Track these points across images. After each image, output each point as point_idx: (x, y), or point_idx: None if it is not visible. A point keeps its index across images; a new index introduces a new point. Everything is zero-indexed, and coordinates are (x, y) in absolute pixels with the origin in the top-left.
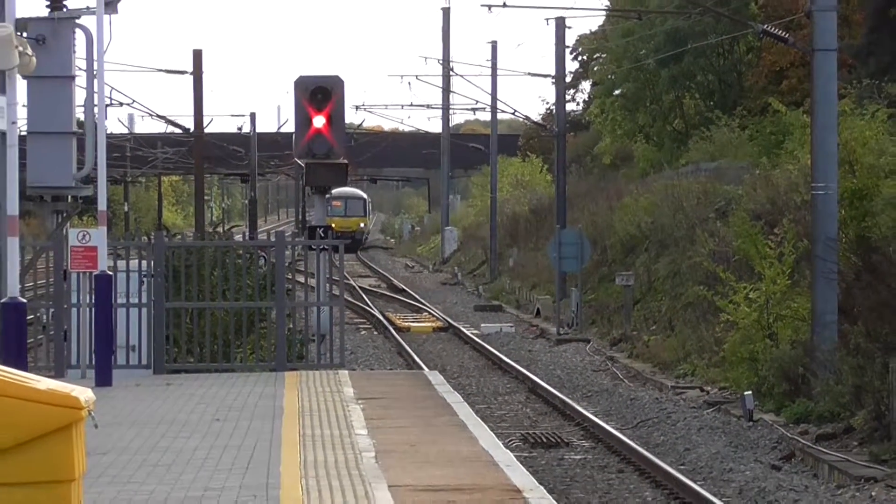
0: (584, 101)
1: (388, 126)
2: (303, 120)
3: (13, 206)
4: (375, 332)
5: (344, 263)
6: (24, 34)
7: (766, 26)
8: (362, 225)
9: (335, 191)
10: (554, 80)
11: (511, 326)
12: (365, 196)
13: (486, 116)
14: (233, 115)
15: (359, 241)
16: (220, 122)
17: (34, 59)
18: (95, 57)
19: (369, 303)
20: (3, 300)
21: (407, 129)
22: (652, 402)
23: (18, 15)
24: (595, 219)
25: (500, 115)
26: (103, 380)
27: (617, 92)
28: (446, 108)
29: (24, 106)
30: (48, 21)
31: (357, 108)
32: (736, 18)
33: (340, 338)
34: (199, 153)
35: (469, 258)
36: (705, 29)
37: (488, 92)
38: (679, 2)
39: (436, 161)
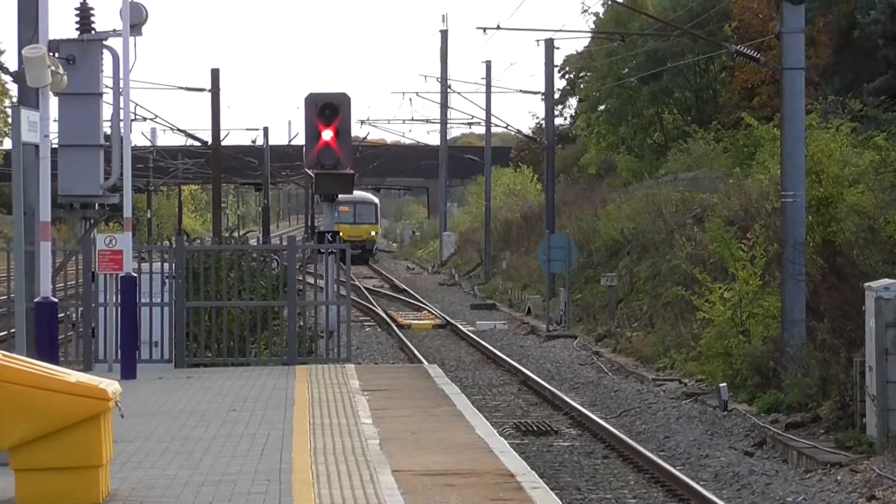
0: (571, 115)
1: (390, 139)
2: (312, 133)
3: (45, 213)
4: (379, 329)
5: (350, 266)
6: (56, 54)
7: (738, 47)
8: (373, 233)
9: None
10: (543, 97)
11: (504, 324)
12: (376, 201)
13: (480, 130)
14: (247, 129)
15: (370, 251)
16: (235, 135)
17: (65, 77)
18: (121, 75)
19: (373, 302)
20: (36, 300)
21: (408, 141)
22: (634, 393)
23: (51, 37)
24: (581, 224)
25: (493, 129)
26: (128, 373)
27: (601, 107)
28: (444, 122)
29: (55, 121)
30: (78, 42)
31: (362, 122)
32: (711, 40)
33: (347, 334)
34: (216, 164)
35: (465, 261)
36: (683, 49)
37: (483, 107)
38: (658, 24)
39: (434, 171)
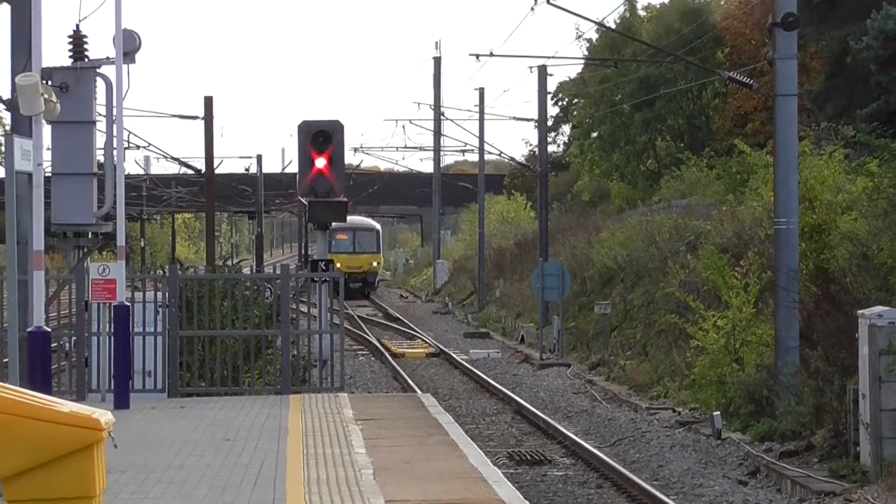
0: (565, 142)
1: (383, 166)
2: (306, 161)
3: (39, 242)
4: (373, 358)
5: (343, 295)
6: (49, 82)
7: (731, 73)
8: (375, 263)
9: None
10: (536, 124)
11: (498, 352)
12: (377, 227)
13: (474, 157)
14: (241, 157)
15: (371, 284)
16: (229, 163)
17: (58, 105)
18: (115, 103)
19: (367, 331)
20: (29, 329)
21: (401, 169)
22: (628, 421)
23: (44, 65)
24: (575, 252)
25: (487, 157)
26: (122, 403)
27: (594, 134)
28: (437, 150)
29: (48, 149)
30: (71, 70)
31: (355, 150)
32: (703, 66)
33: (341, 363)
34: (210, 192)
35: (459, 289)
36: (675, 76)
37: (476, 135)
38: (652, 51)
39: (428, 199)
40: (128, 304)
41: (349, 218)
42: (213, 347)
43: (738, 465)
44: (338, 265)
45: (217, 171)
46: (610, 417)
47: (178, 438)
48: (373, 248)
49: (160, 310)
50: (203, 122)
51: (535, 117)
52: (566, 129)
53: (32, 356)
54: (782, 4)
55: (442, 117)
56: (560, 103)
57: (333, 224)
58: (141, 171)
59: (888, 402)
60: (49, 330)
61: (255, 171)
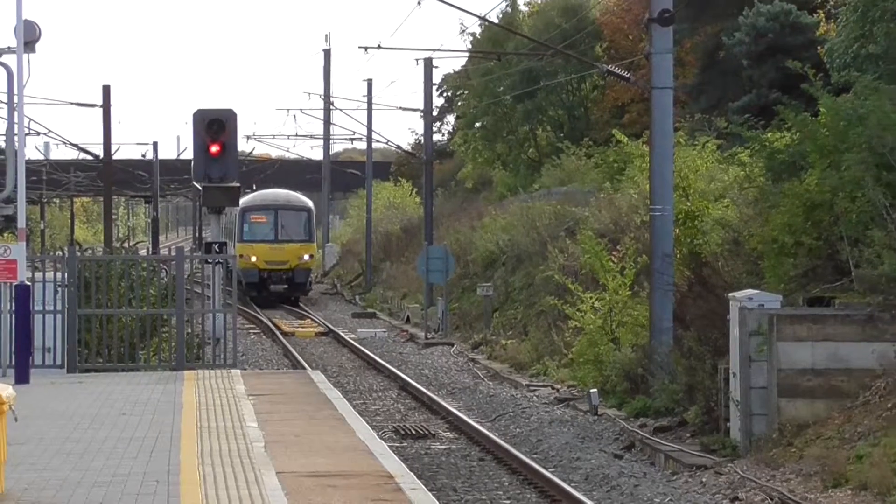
0: (449, 132)
1: (275, 154)
2: (200, 148)
3: None
4: (264, 337)
5: (236, 279)
6: None
7: (609, 67)
8: (306, 257)
9: (257, 195)
10: (422, 114)
11: (384, 331)
12: (309, 204)
13: (362, 145)
14: (138, 144)
15: (301, 287)
16: (126, 149)
17: None
18: (16, 91)
19: (258, 310)
20: None
21: (292, 156)
22: (509, 398)
23: None
24: (459, 237)
25: (374, 145)
26: (22, 378)
27: (478, 124)
28: (327, 138)
29: None
30: None
31: (248, 137)
32: (583, 60)
33: (233, 341)
34: (107, 177)
35: (347, 271)
36: (556, 69)
37: (364, 124)
38: (533, 45)
39: (318, 185)
40: (28, 283)
41: (271, 191)
42: (110, 325)
43: (613, 439)
44: (253, 259)
45: (114, 157)
46: (492, 394)
47: (76, 412)
48: (302, 235)
49: (59, 289)
50: (101, 109)
51: (422, 108)
52: (451, 119)
53: None
54: (658, 1)
55: (332, 107)
56: (445, 94)
57: (248, 200)
58: (41, 157)
59: (757, 380)
60: None
61: (151, 157)
